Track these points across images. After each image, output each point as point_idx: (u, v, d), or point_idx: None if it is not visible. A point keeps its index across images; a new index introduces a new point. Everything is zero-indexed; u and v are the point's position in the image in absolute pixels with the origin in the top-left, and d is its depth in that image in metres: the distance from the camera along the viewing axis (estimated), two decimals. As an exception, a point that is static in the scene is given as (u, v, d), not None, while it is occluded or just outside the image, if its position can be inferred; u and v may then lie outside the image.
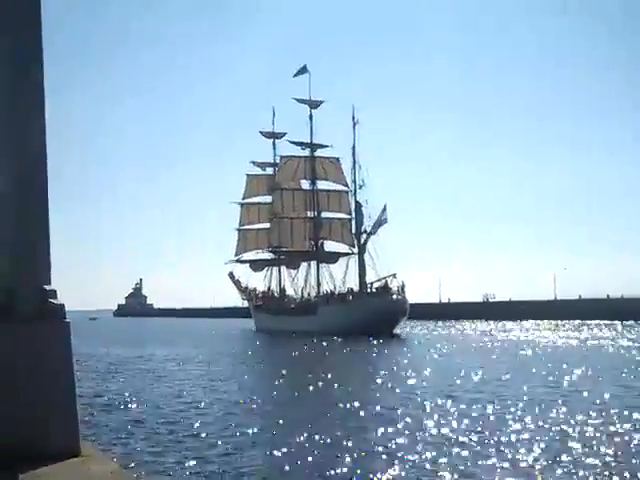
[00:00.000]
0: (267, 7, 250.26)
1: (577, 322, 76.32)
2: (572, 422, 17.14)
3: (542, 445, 14.67)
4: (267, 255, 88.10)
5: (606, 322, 73.17)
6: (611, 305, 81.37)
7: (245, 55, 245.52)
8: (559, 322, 77.74)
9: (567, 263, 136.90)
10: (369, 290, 72.30)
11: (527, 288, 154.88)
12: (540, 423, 17.17)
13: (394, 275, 69.77)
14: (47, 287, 5.47)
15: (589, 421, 17.23)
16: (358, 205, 76.65)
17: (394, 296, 67.90)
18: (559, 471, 12.70)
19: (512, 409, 19.33)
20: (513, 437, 15.62)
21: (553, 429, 16.46)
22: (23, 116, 5.41)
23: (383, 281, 70.65)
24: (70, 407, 5.41)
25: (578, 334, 58.08)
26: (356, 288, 74.68)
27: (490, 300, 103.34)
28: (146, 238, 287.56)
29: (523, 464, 13.21)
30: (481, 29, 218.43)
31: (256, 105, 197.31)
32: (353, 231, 78.37)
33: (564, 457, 13.60)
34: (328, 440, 15.34)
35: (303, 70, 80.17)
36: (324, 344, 48.57)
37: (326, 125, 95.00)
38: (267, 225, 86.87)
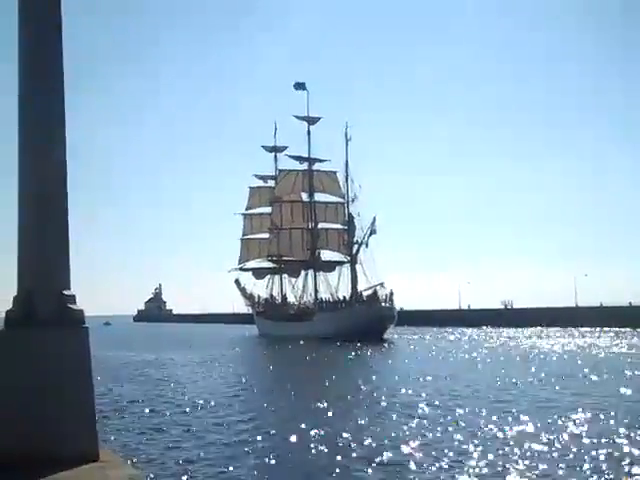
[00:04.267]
0: (274, 26, 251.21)
1: (598, 329, 72.13)
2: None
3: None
4: (268, 264, 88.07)
5: (628, 330, 68.87)
6: (633, 312, 76.21)
7: (249, 72, 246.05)
8: (580, 329, 73.84)
9: (588, 270, 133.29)
10: (360, 298, 72.87)
11: (547, 295, 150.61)
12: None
13: (382, 284, 70.58)
14: (66, 292, 5.24)
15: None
16: (350, 217, 77.55)
17: (383, 304, 68.58)
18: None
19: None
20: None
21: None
22: (44, 124, 5.21)
23: (372, 290, 71.55)
24: (88, 412, 5.20)
25: (581, 341, 57.14)
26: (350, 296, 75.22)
27: (509, 307, 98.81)
28: (162, 246, 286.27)
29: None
30: (476, 41, 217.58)
31: (259, 120, 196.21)
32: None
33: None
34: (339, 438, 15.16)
35: (302, 86, 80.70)
36: (316, 348, 48.69)
37: (323, 139, 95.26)
38: (268, 235, 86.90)
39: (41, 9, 5.19)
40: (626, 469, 12.18)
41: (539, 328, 78.12)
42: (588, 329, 74.12)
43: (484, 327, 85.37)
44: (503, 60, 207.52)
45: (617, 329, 71.02)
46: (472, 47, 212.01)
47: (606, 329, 72.12)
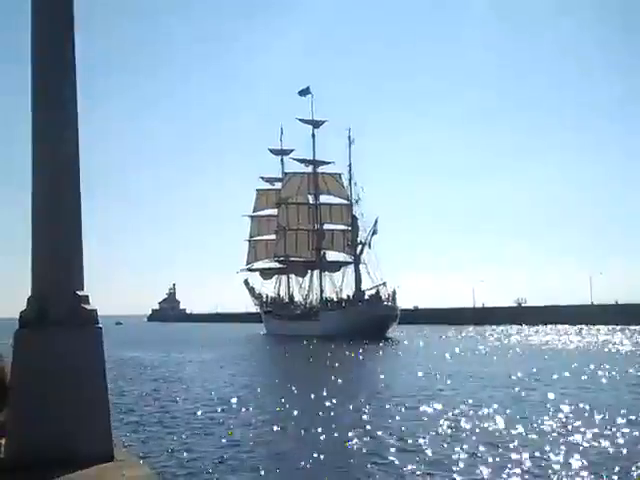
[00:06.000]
0: (279, 29, 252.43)
1: (610, 327, 71.66)
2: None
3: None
4: (276, 264, 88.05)
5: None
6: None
7: (257, 78, 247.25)
8: (594, 327, 73.43)
9: (604, 268, 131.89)
10: (363, 297, 72.92)
11: (563, 293, 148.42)
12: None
13: (384, 283, 71.16)
14: (80, 293, 5.11)
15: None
16: (354, 218, 77.63)
17: (385, 303, 68.52)
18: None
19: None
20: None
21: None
22: (57, 120, 5.08)
23: (375, 289, 71.68)
24: (103, 412, 5.08)
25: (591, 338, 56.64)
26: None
27: (522, 305, 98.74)
28: (175, 246, 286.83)
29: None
30: (474, 43, 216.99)
31: (266, 124, 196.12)
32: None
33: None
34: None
35: (306, 91, 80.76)
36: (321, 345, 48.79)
37: (329, 141, 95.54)
38: (275, 236, 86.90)
39: (53, 5, 5.06)
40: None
41: (558, 326, 77.06)
42: (602, 327, 73.09)
43: (498, 325, 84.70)
44: (507, 63, 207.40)
45: (633, 327, 69.54)
46: (477, 52, 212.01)
47: (621, 326, 70.83)
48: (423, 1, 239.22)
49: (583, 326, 75.35)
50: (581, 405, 19.00)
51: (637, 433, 14.91)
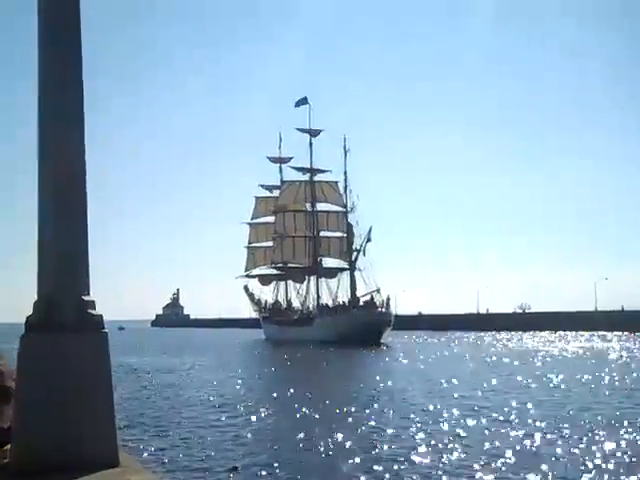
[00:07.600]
0: (278, 42, 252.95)
1: (616, 334, 70.58)
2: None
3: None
4: (274, 270, 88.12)
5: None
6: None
7: (256, 86, 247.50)
8: (598, 333, 72.40)
9: (609, 274, 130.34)
10: (358, 304, 73.14)
11: (568, 299, 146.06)
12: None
13: (378, 290, 71.30)
14: (86, 298, 5.01)
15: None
16: (349, 226, 78.09)
17: (379, 309, 68.75)
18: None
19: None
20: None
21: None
22: (62, 126, 4.98)
23: (369, 295, 72.03)
24: (108, 417, 4.97)
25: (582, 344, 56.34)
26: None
27: (526, 311, 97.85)
28: (179, 252, 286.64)
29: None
30: (473, 50, 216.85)
31: (265, 133, 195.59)
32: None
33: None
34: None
35: (303, 102, 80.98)
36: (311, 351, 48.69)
37: (326, 150, 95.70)
38: (272, 243, 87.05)
39: (60, 8, 4.97)
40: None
41: (561, 332, 76.32)
42: (606, 333, 71.80)
43: (501, 331, 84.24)
44: (505, 70, 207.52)
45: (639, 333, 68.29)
46: (474, 61, 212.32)
47: (627, 333, 69.87)
48: (421, 7, 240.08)
49: (585, 333, 74.42)
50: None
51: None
